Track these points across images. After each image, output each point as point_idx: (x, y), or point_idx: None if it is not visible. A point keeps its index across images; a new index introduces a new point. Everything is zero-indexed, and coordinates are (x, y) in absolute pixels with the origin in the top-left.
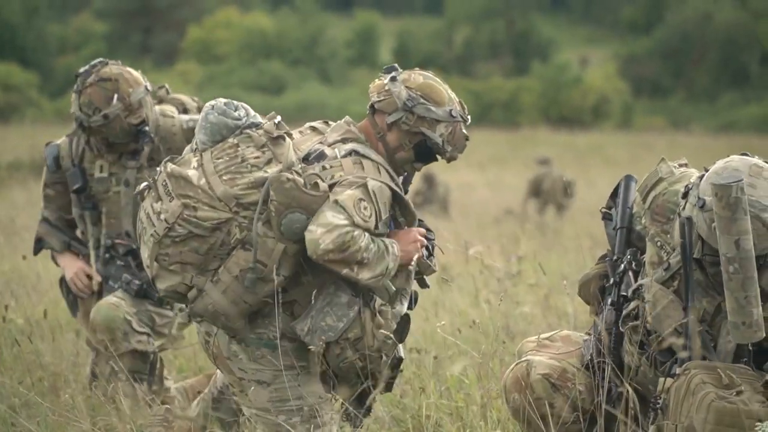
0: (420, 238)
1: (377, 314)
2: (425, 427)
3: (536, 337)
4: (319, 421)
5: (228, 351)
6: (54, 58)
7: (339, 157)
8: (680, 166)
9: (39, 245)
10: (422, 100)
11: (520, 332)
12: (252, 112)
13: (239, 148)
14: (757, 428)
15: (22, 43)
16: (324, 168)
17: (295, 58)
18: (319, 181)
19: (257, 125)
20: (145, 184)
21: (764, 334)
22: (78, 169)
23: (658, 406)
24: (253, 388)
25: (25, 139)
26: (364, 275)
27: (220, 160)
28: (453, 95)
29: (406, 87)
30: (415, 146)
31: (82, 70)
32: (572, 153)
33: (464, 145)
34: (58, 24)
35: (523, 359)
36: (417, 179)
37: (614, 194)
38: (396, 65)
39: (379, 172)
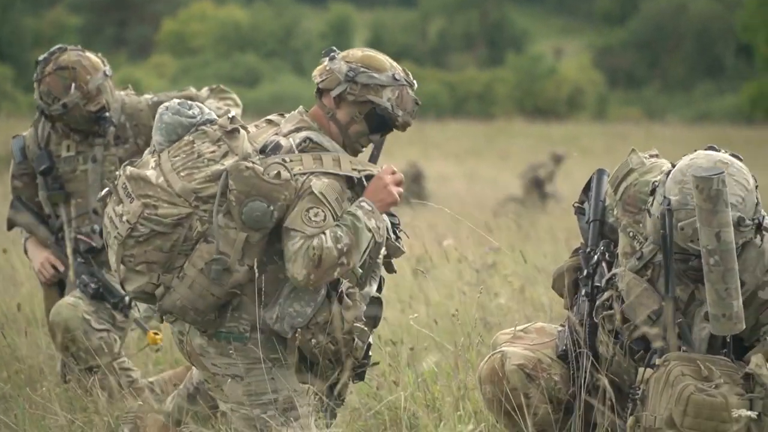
0: (387, 178)
1: (345, 297)
2: (401, 419)
3: (511, 329)
4: (295, 414)
5: (200, 348)
6: (29, 52)
7: (295, 148)
8: (651, 156)
9: (10, 223)
10: (363, 69)
11: (496, 324)
12: (206, 110)
13: (195, 145)
14: (735, 415)
15: None
16: (284, 161)
17: (270, 50)
18: (282, 170)
19: (212, 121)
20: (106, 189)
21: (744, 326)
22: (44, 152)
23: (636, 396)
24: (228, 382)
25: (0, 133)
26: (355, 258)
27: (177, 158)
28: (394, 63)
29: (346, 62)
30: (366, 117)
31: (41, 57)
32: (547, 144)
33: (414, 108)
34: (32, 17)
35: (497, 350)
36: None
37: (587, 188)
38: (334, 48)
39: (339, 164)
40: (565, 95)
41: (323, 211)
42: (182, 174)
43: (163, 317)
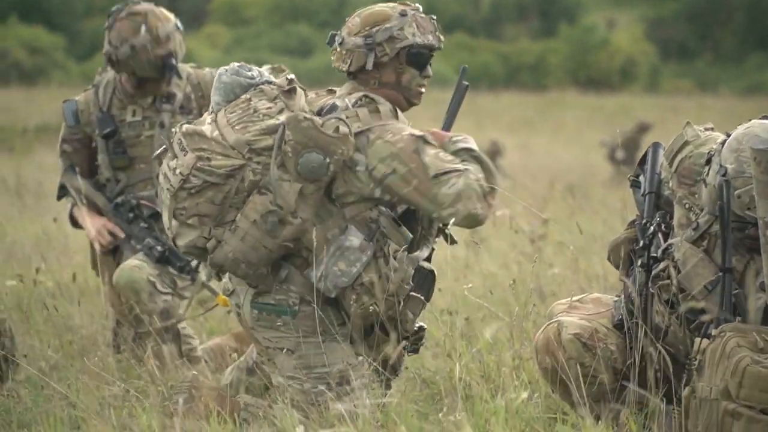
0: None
1: (392, 258)
2: (457, 389)
3: (567, 299)
4: (347, 388)
5: (252, 321)
6: (80, 21)
7: (351, 106)
8: (706, 129)
9: (62, 191)
10: (374, 29)
11: (551, 294)
12: (266, 73)
13: (251, 102)
14: None
15: (47, 5)
16: (342, 118)
17: (323, 20)
18: (340, 125)
19: (270, 82)
20: (162, 147)
21: None
22: (107, 115)
23: (692, 367)
24: (279, 355)
25: (53, 102)
26: (497, 181)
27: (233, 114)
28: (388, 3)
29: (355, 35)
30: (407, 62)
31: (114, 8)
32: (600, 115)
33: (435, 25)
34: None
35: (554, 320)
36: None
37: (642, 161)
38: (333, 32)
39: (396, 116)
40: (617, 67)
41: (443, 152)
42: (237, 127)
43: (217, 273)
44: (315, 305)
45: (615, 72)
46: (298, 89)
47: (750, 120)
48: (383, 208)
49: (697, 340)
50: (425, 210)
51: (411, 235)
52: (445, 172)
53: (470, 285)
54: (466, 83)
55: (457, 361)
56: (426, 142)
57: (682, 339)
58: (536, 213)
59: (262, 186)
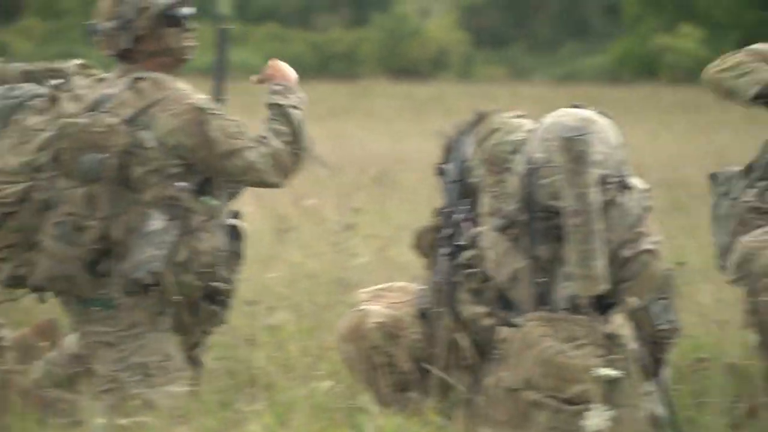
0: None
1: (200, 230)
2: (259, 379)
3: (372, 288)
4: (163, 379)
5: (74, 315)
6: None
7: (121, 91)
8: (515, 117)
9: None
10: (123, 8)
11: (356, 284)
12: (31, 87)
13: (22, 121)
14: (596, 375)
15: None
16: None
17: None
18: (107, 117)
19: (39, 95)
20: None
21: (608, 286)
22: None
23: (496, 356)
24: (101, 348)
25: None
26: (305, 140)
27: (10, 139)
28: None
29: (107, 20)
30: (167, 25)
31: None
32: (412, 104)
33: None
34: None
35: (358, 309)
36: None
37: (448, 148)
38: (89, 23)
39: (174, 82)
40: (430, 55)
41: (229, 119)
42: (14, 151)
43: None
44: (133, 297)
45: (428, 60)
46: (61, 95)
47: (569, 106)
48: (183, 183)
49: (502, 328)
50: (218, 176)
51: (217, 202)
52: (233, 151)
53: (274, 275)
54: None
55: (259, 351)
56: (210, 113)
57: (488, 328)
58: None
59: (51, 200)
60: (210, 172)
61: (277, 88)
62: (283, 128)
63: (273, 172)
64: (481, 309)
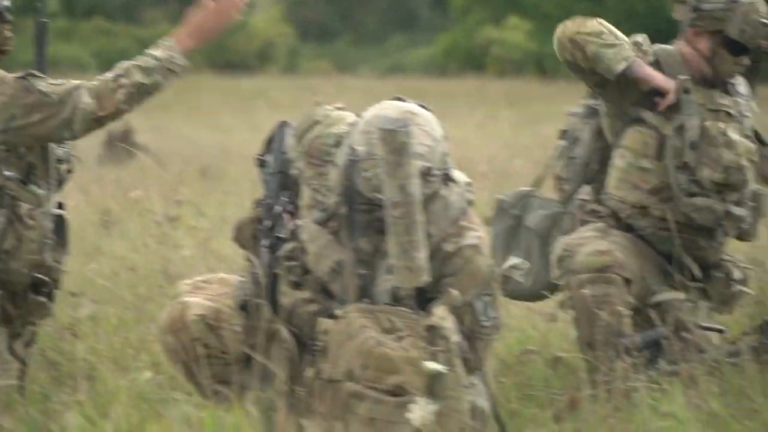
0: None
1: (27, 218)
2: (79, 370)
3: (193, 279)
4: None
5: None
6: None
7: None
8: (337, 109)
9: None
10: None
11: (179, 276)
12: None
13: None
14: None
15: None
16: None
17: None
18: None
19: None
20: None
21: (429, 279)
22: None
23: (317, 348)
24: None
25: None
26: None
27: None
28: None
29: None
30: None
31: None
32: (237, 98)
33: None
34: None
35: (178, 301)
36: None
37: (269, 140)
38: None
39: None
40: (255, 49)
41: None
42: None
43: None
44: None
45: (253, 54)
46: None
47: (385, 100)
48: (8, 173)
49: (322, 320)
50: (57, 133)
51: (42, 191)
52: (67, 92)
53: (97, 266)
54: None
55: (81, 343)
56: (33, 76)
57: (309, 320)
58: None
59: None
60: (43, 137)
61: (167, 43)
62: (137, 76)
63: (93, 97)
64: (302, 294)
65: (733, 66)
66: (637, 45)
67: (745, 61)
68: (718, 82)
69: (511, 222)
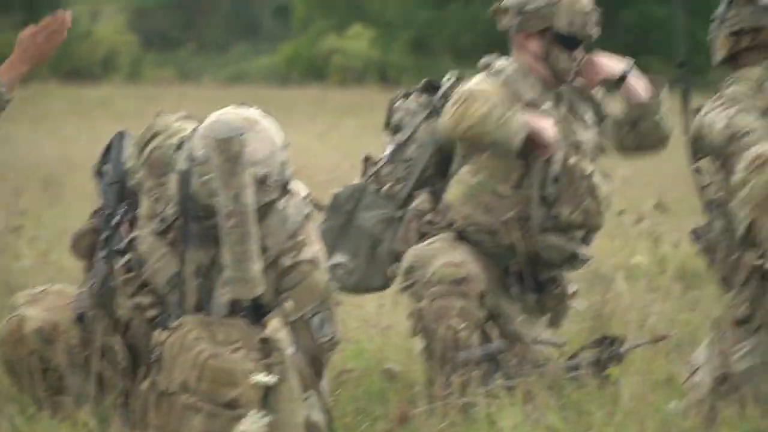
0: None
1: None
2: None
3: (29, 290)
4: None
5: None
6: None
7: None
8: (179, 118)
9: None
10: None
11: (19, 287)
12: None
13: None
14: (252, 381)
15: None
16: None
17: None
18: None
19: None
20: None
21: (263, 290)
22: None
23: (152, 360)
24: None
25: None
26: None
27: None
28: None
29: None
30: None
31: None
32: (81, 107)
33: None
34: None
35: (15, 313)
36: None
37: (107, 150)
38: None
39: None
40: (99, 57)
41: None
42: None
43: None
44: None
45: (97, 63)
46: None
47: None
48: None
49: (158, 332)
50: None
51: None
52: None
53: None
54: None
55: None
56: None
57: (144, 331)
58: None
59: None
60: None
61: None
62: None
63: None
64: (140, 299)
65: (569, 62)
66: (487, 68)
67: (580, 54)
68: (558, 84)
69: (343, 219)
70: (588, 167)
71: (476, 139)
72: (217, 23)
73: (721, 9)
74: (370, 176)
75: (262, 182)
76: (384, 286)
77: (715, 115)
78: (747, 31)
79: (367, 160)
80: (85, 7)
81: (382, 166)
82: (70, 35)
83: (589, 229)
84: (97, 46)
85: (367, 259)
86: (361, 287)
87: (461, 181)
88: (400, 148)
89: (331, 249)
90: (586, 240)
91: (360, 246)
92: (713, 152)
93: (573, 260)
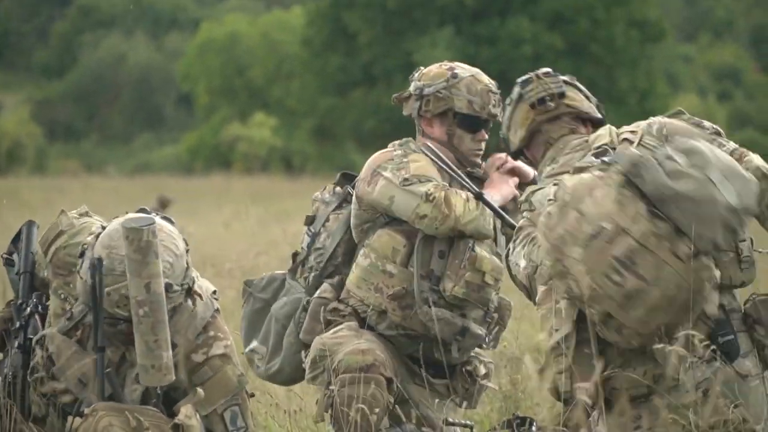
0: None
1: None
2: None
3: None
4: None
5: None
6: None
7: None
8: (81, 215)
9: None
10: None
11: None
12: None
13: None
14: None
15: None
16: None
17: None
18: None
19: None
20: None
21: (173, 377)
22: None
23: None
24: None
25: None
26: None
27: None
28: None
29: None
30: None
31: None
32: None
33: None
34: None
35: None
36: None
37: (16, 239)
38: None
39: None
40: (4, 149)
41: None
42: None
43: None
44: None
45: (1, 155)
46: None
47: (126, 213)
48: None
49: (70, 418)
50: None
51: None
52: None
53: None
54: None
55: None
56: None
57: (60, 428)
58: None
59: None
60: None
61: None
62: None
63: None
64: (56, 385)
65: (473, 143)
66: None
67: (483, 135)
68: (465, 167)
69: (258, 305)
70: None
71: (464, 228)
72: (120, 114)
73: None
74: (295, 269)
75: (166, 291)
76: (297, 378)
77: None
78: None
79: (295, 255)
80: None
81: (303, 258)
82: None
83: (474, 303)
84: (1, 138)
85: (275, 346)
86: (276, 377)
87: (357, 265)
88: (313, 238)
89: (248, 335)
90: (481, 319)
91: (269, 331)
92: None
93: (466, 336)
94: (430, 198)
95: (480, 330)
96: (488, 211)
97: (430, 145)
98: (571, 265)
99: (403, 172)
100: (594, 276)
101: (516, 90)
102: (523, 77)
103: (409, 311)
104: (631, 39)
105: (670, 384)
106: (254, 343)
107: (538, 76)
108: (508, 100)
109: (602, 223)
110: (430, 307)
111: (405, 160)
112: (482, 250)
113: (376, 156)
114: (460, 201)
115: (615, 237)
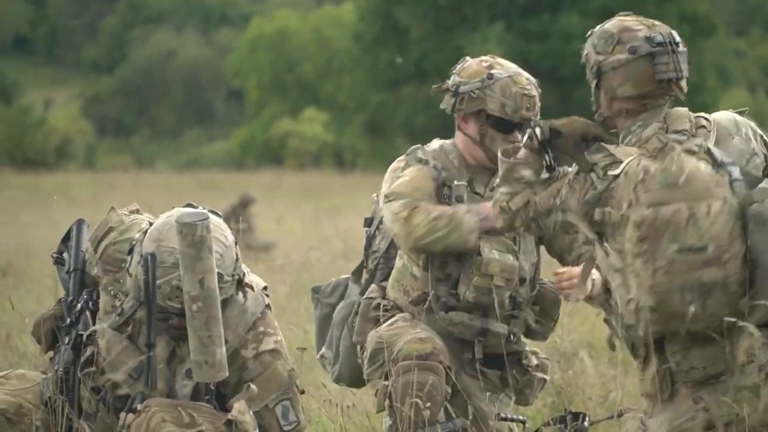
0: None
1: None
2: None
3: None
4: None
5: None
6: None
7: None
8: (131, 212)
9: None
10: None
11: None
12: None
13: None
14: None
15: None
16: None
17: None
18: None
19: None
20: None
21: (227, 374)
22: None
23: None
24: None
25: None
26: None
27: None
28: None
29: None
30: None
31: None
32: (38, 195)
33: None
34: None
35: None
36: None
37: (66, 238)
38: None
39: None
40: (54, 145)
41: None
42: None
43: None
44: None
45: (51, 151)
46: None
47: (173, 207)
48: None
49: (122, 414)
50: None
51: None
52: None
53: None
54: None
55: None
56: None
57: (110, 425)
58: None
59: None
60: None
61: None
62: None
63: None
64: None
65: (506, 144)
66: (422, 162)
67: (516, 137)
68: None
69: (326, 310)
70: (485, 244)
71: (429, 248)
72: (170, 109)
73: None
74: (358, 271)
75: (218, 281)
76: (357, 381)
77: None
78: None
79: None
80: (39, 95)
81: (363, 261)
82: (25, 124)
83: (483, 306)
84: (51, 134)
85: (336, 351)
86: (340, 382)
87: (395, 266)
88: (369, 240)
89: (320, 340)
90: (509, 318)
91: (333, 336)
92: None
93: (485, 335)
94: (398, 216)
95: (502, 328)
96: (466, 224)
97: (458, 144)
98: (655, 255)
99: (389, 186)
100: (665, 283)
101: (646, 46)
102: (658, 39)
103: (432, 315)
104: (681, 34)
105: (744, 360)
106: (323, 349)
107: (673, 50)
108: (631, 48)
109: (710, 243)
110: (447, 312)
111: (400, 174)
112: (490, 252)
113: (391, 166)
114: (424, 220)
115: (711, 265)
